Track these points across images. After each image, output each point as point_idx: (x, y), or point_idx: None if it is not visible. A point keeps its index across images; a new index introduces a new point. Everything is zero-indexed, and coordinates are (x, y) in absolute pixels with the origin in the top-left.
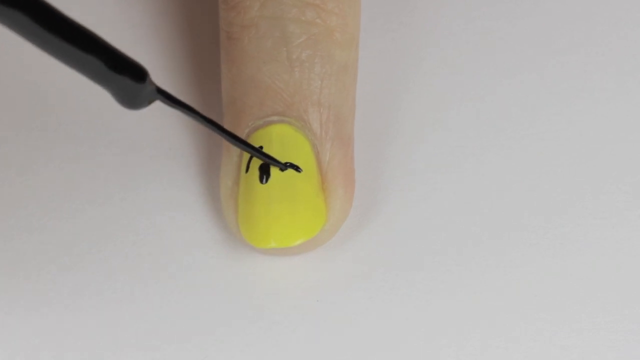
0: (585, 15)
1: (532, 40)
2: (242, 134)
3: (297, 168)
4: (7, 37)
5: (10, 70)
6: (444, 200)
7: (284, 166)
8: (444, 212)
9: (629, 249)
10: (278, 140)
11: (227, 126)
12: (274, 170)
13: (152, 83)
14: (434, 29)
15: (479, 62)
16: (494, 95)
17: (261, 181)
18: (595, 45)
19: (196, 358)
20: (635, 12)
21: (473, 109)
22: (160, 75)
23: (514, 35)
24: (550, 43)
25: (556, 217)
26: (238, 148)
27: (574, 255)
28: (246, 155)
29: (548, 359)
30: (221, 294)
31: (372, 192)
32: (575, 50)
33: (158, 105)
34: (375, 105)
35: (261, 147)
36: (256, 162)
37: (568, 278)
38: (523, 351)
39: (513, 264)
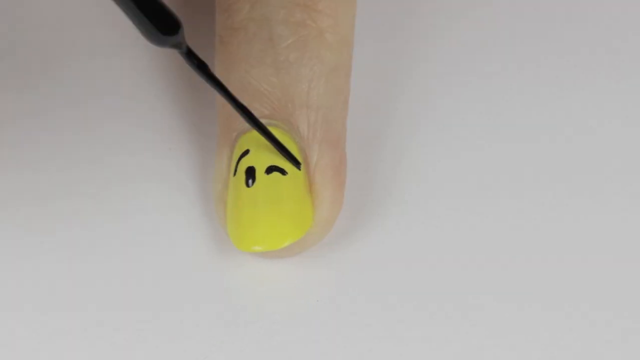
0: (585, 15)
1: (532, 40)
2: (231, 138)
3: (282, 171)
4: (7, 38)
5: (10, 72)
6: (442, 200)
7: (297, 163)
8: (442, 212)
9: (629, 249)
10: (265, 143)
11: (218, 130)
12: (260, 173)
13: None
14: (432, 29)
15: (478, 62)
16: (492, 95)
17: (246, 184)
18: (595, 45)
19: (196, 358)
20: (635, 12)
21: (471, 109)
22: (160, 75)
23: (514, 35)
24: (550, 43)
25: (556, 216)
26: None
27: (573, 255)
28: (234, 159)
29: (548, 359)
30: (221, 294)
31: (369, 192)
32: (575, 50)
33: (157, 107)
34: (372, 106)
35: (247, 151)
36: (243, 165)
37: (568, 277)
38: (523, 351)
39: (513, 264)
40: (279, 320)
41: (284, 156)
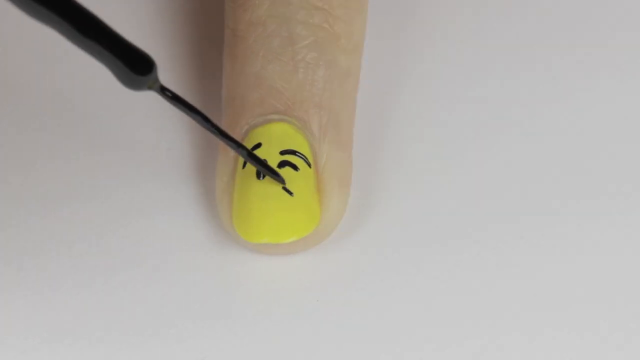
0: (585, 15)
1: (532, 40)
2: (240, 131)
3: (294, 167)
4: (7, 37)
5: (10, 71)
6: (444, 200)
7: (275, 175)
8: (443, 212)
9: (629, 249)
10: (277, 138)
11: (226, 123)
12: (272, 167)
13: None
14: (433, 30)
15: (479, 63)
16: (493, 95)
17: (258, 177)
18: (595, 45)
19: (195, 358)
20: (635, 12)
21: (473, 109)
22: (160, 75)
23: (514, 35)
24: (550, 43)
25: (556, 217)
26: (234, 151)
27: (574, 255)
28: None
29: (548, 359)
30: (220, 293)
31: (371, 192)
32: (576, 50)
33: (157, 107)
34: (374, 105)
35: (259, 145)
36: None
37: (568, 278)
38: (523, 351)
39: (513, 264)
40: (279, 320)
41: (267, 173)
